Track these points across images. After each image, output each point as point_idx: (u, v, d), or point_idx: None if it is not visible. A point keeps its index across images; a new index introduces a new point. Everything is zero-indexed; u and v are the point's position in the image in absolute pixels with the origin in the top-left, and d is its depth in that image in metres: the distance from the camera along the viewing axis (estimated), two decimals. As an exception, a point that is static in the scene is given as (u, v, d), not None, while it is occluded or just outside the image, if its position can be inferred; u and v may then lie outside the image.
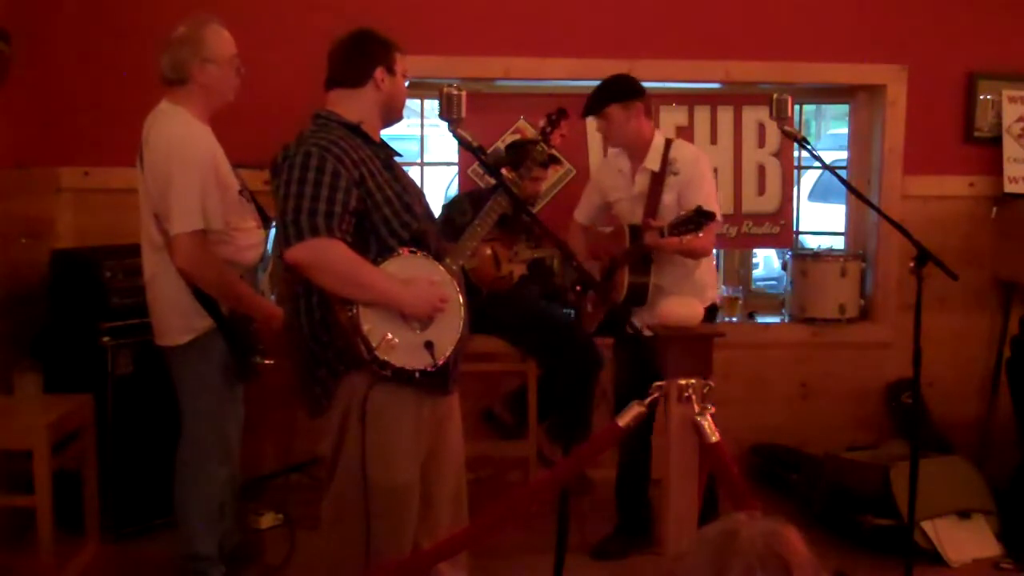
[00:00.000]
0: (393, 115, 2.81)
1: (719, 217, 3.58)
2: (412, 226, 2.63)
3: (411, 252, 2.61)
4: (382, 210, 2.59)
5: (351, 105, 2.70)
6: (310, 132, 2.62)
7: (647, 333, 3.12)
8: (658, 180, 3.63)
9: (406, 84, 2.82)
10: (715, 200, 3.61)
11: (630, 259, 3.61)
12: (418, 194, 2.82)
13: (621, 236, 3.70)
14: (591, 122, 4.02)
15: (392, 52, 2.75)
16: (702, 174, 3.61)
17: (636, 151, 3.70)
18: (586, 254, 3.88)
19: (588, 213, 3.96)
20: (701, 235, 3.34)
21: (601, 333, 3.88)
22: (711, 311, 3.72)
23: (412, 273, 2.60)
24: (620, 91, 3.65)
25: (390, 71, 2.73)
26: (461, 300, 2.68)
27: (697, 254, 3.58)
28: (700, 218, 3.27)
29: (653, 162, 3.65)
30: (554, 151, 4.16)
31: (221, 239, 3.14)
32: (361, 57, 2.72)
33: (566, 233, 3.92)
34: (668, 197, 3.61)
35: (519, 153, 4.09)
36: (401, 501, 2.63)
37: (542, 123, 3.11)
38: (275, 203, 2.61)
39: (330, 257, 2.48)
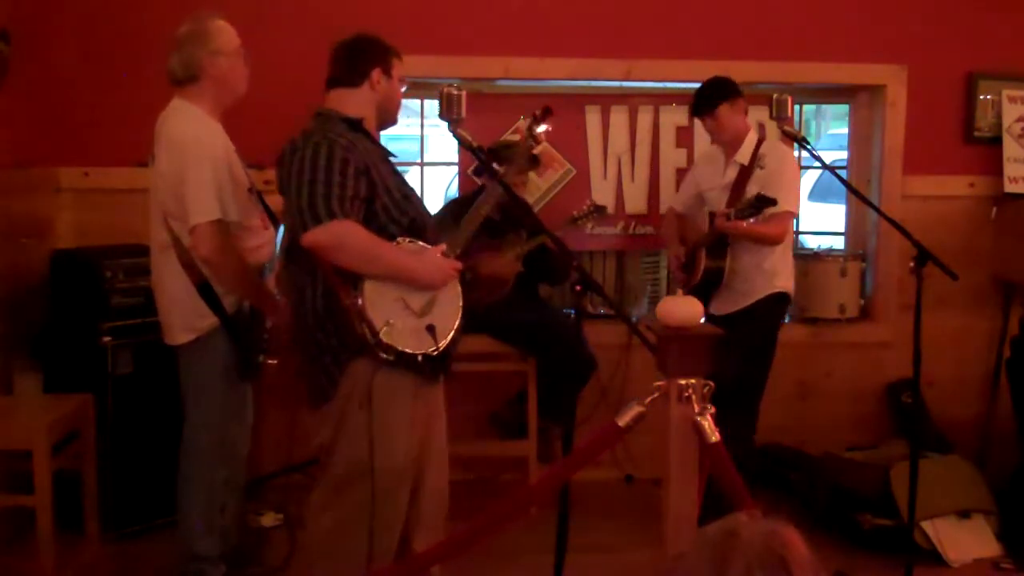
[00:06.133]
0: (387, 118, 2.90)
1: (795, 211, 3.84)
2: (410, 213, 2.73)
3: (410, 241, 2.69)
4: (383, 198, 2.68)
5: (349, 104, 2.80)
6: (314, 128, 2.71)
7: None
8: (745, 173, 3.88)
9: (403, 89, 2.92)
10: (795, 196, 3.84)
11: (706, 243, 3.88)
12: (414, 191, 2.89)
13: (703, 223, 4.00)
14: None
15: (390, 56, 2.85)
16: (783, 171, 3.83)
17: (732, 145, 3.93)
18: (676, 240, 4.17)
19: (684, 202, 4.22)
20: (764, 220, 3.62)
21: None
22: (782, 298, 3.91)
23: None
24: (727, 91, 3.89)
25: (387, 74, 2.83)
26: (459, 287, 2.77)
27: (767, 240, 3.81)
28: (759, 203, 3.51)
29: (744, 156, 3.89)
30: (535, 153, 4.29)
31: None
32: (359, 58, 2.82)
33: (664, 219, 4.38)
34: (752, 189, 3.80)
35: (504, 155, 4.13)
36: (400, 482, 2.70)
37: (527, 121, 3.17)
38: (284, 196, 2.69)
39: (349, 237, 2.58)
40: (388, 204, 2.68)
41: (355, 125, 2.76)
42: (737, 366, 3.91)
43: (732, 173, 3.93)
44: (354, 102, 2.80)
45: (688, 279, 4.04)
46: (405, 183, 2.82)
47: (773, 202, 3.52)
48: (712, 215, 3.91)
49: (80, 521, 3.62)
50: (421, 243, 2.71)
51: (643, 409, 2.24)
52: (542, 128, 3.09)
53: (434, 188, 5.78)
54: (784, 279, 3.91)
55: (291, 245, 2.74)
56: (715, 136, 3.98)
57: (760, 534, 1.21)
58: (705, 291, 3.96)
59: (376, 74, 2.80)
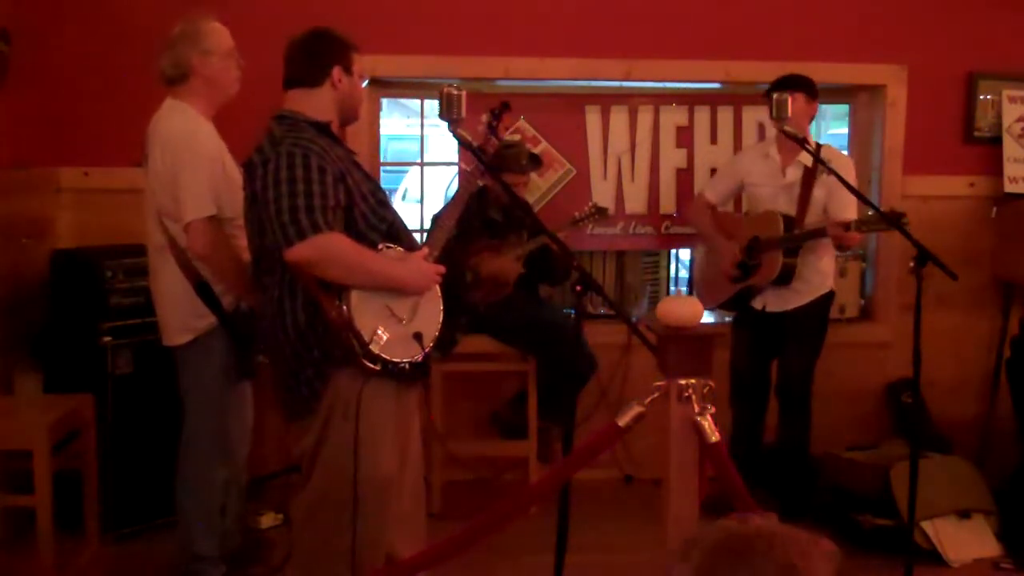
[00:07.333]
0: (349, 115, 2.82)
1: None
2: (387, 218, 2.68)
3: (387, 247, 2.65)
4: (360, 206, 2.63)
5: (310, 105, 2.71)
6: (281, 133, 2.62)
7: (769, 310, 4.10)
8: (810, 175, 4.02)
9: (364, 84, 2.86)
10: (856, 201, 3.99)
11: (789, 244, 4.02)
12: (387, 195, 2.86)
13: (771, 221, 4.07)
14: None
15: (349, 52, 2.76)
16: (850, 179, 3.90)
17: (792, 145, 3.95)
18: (719, 234, 4.26)
19: (722, 194, 4.33)
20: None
21: (725, 308, 4.30)
22: (830, 296, 4.19)
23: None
24: (809, 87, 4.03)
25: (347, 71, 2.74)
26: (439, 291, 2.73)
27: (852, 247, 4.16)
28: (891, 221, 3.58)
29: (807, 158, 3.97)
30: (535, 152, 4.37)
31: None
32: (318, 56, 2.73)
33: (692, 204, 4.45)
34: (819, 192, 4.02)
35: (505, 155, 4.13)
36: (387, 492, 2.67)
37: (485, 118, 3.10)
38: (255, 205, 2.61)
39: (336, 250, 2.52)
40: (366, 211, 2.63)
41: (323, 129, 2.68)
42: (803, 365, 4.10)
43: (794, 174, 4.06)
44: (316, 103, 2.71)
45: (744, 276, 4.12)
46: (378, 187, 2.77)
47: (903, 218, 3.68)
48: (788, 218, 3.99)
49: (80, 521, 3.62)
50: (401, 249, 2.66)
51: (643, 409, 2.24)
52: (493, 119, 3.06)
53: (434, 188, 5.78)
54: (832, 278, 4.18)
55: (260, 256, 2.67)
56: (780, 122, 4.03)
57: (783, 540, 1.18)
58: (748, 290, 4.12)
59: (337, 72, 2.71)
